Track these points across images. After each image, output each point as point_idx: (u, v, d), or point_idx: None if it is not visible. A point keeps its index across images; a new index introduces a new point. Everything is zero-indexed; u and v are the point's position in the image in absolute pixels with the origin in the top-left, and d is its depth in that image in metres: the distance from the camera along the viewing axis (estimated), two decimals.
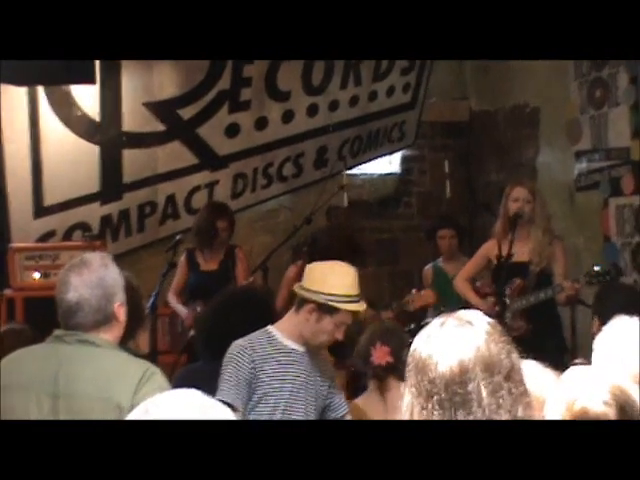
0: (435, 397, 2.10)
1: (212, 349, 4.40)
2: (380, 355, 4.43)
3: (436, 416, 2.09)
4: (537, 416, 2.21)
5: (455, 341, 2.14)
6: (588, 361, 3.17)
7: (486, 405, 2.08)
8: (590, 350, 3.30)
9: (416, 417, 2.12)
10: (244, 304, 4.54)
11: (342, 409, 4.25)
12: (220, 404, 1.68)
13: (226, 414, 1.65)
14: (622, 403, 2.33)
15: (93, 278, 3.19)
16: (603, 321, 3.45)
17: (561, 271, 5.94)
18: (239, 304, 4.55)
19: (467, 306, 6.28)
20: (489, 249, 6.17)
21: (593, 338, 3.31)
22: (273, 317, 4.35)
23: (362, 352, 4.49)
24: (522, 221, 5.95)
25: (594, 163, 7.38)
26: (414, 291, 6.53)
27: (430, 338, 2.17)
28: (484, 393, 2.09)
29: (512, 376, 2.13)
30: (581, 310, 5.88)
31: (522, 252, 5.98)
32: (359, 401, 4.57)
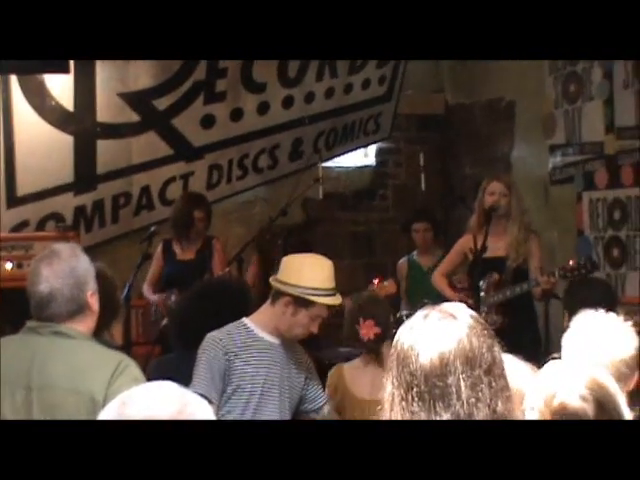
0: (415, 389, 2.11)
1: (185, 339, 4.41)
2: (368, 329, 4.47)
3: (415, 408, 2.10)
4: (517, 410, 2.21)
5: (437, 333, 2.14)
6: (560, 356, 3.20)
7: (465, 398, 2.09)
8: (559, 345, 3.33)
9: (396, 408, 2.13)
10: (218, 295, 4.54)
11: (320, 400, 4.26)
12: (196, 396, 1.68)
13: (202, 406, 1.64)
14: (599, 397, 2.34)
15: (64, 268, 3.18)
16: (573, 315, 3.48)
17: (537, 265, 5.96)
18: (213, 294, 4.56)
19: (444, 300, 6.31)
20: (465, 243, 6.19)
21: (564, 332, 3.34)
22: (248, 308, 4.35)
23: (349, 333, 4.53)
24: (497, 215, 5.98)
25: (568, 157, 7.42)
26: (376, 281, 6.48)
27: (413, 330, 2.17)
28: (463, 386, 2.10)
29: (493, 370, 2.14)
30: (555, 304, 5.90)
31: (498, 247, 6.00)
32: (347, 365, 4.61)
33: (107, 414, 1.63)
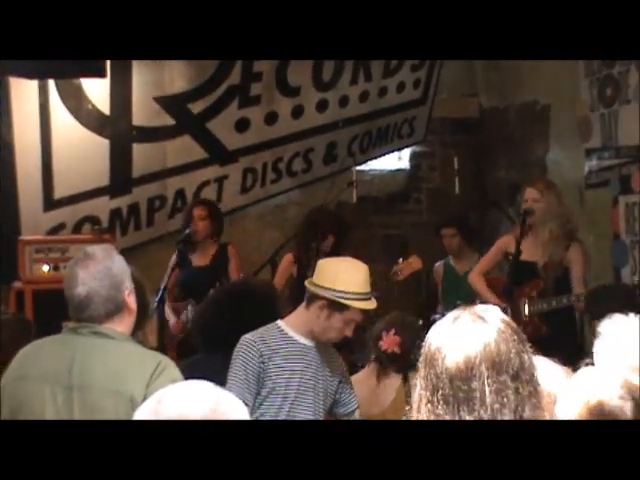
0: (440, 391, 2.11)
1: (210, 343, 4.44)
2: (390, 343, 4.48)
3: (440, 411, 2.09)
4: (546, 416, 2.20)
5: (464, 336, 2.13)
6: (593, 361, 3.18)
7: (489, 404, 2.07)
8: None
9: (423, 410, 2.12)
10: (240, 297, 4.55)
11: (352, 405, 4.26)
12: (231, 395, 1.69)
13: (236, 405, 1.66)
14: (636, 397, 2.33)
15: (100, 269, 3.21)
16: (598, 321, 3.44)
17: (579, 274, 5.91)
18: (235, 297, 4.57)
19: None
20: (506, 244, 6.16)
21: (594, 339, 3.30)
22: (275, 310, 4.36)
23: (374, 335, 4.53)
24: (532, 219, 5.94)
25: (604, 161, 7.37)
26: (400, 260, 6.44)
27: (441, 331, 2.17)
28: (488, 392, 2.08)
29: (520, 376, 2.12)
30: None
31: (534, 251, 5.97)
32: (353, 378, 4.61)
33: (143, 412, 1.65)
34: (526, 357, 2.15)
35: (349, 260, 4.31)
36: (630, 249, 7.04)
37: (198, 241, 6.85)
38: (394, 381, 4.57)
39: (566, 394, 2.40)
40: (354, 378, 4.60)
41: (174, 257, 6.95)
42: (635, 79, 6.96)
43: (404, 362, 4.54)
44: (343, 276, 4.02)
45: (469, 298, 6.33)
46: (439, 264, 7.41)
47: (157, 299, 5.99)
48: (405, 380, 4.59)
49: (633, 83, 6.98)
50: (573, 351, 5.80)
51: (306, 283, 4.15)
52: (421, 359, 2.18)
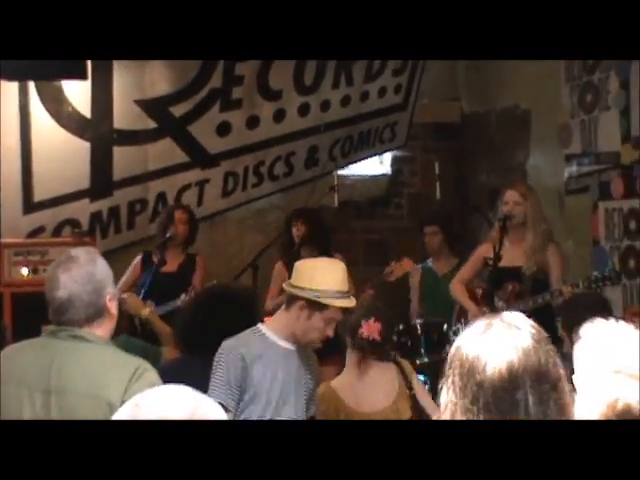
0: (481, 400, 2.06)
1: (189, 345, 4.44)
2: (371, 329, 4.48)
3: (482, 419, 2.04)
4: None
5: (504, 345, 2.09)
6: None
7: (533, 415, 2.04)
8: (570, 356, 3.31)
9: (458, 418, 2.07)
10: (221, 301, 4.55)
11: (313, 409, 4.28)
12: (209, 399, 1.69)
13: (215, 410, 1.65)
14: None
15: (82, 273, 3.19)
16: (570, 327, 3.45)
17: (558, 275, 5.93)
18: (216, 301, 4.57)
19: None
20: (483, 252, 6.17)
21: (562, 346, 3.30)
22: (253, 314, 4.37)
23: (353, 324, 4.53)
24: (513, 223, 5.95)
25: (584, 167, 7.40)
26: (393, 262, 6.55)
27: (478, 339, 2.12)
28: (531, 401, 2.05)
29: (559, 386, 2.09)
30: None
31: (515, 256, 5.98)
32: (335, 382, 4.60)
33: (120, 416, 1.65)
34: (561, 367, 2.12)
35: (326, 259, 4.33)
36: (610, 255, 7.07)
37: (175, 245, 6.83)
38: (386, 372, 4.55)
39: (586, 400, 2.38)
40: (342, 380, 4.60)
41: (138, 259, 6.92)
42: (615, 86, 7.00)
43: (383, 349, 4.58)
44: (320, 275, 4.02)
45: (448, 300, 6.36)
46: (416, 267, 7.41)
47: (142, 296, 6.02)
48: (400, 367, 4.61)
49: (613, 90, 7.02)
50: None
51: (284, 285, 4.16)
52: (452, 365, 2.13)
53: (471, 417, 2.06)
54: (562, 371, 2.12)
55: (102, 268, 3.26)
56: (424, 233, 7.35)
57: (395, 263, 6.51)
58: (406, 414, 4.51)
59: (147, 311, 5.32)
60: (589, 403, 2.36)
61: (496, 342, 2.10)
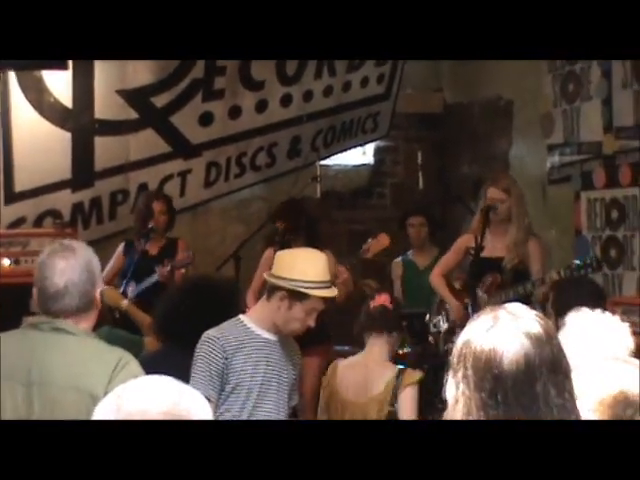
0: (500, 394, 2.05)
1: (170, 335, 4.43)
2: (381, 299, 4.54)
3: (500, 413, 2.04)
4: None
5: (519, 337, 2.08)
6: None
7: (553, 405, 2.04)
8: None
9: (477, 413, 2.06)
10: (202, 291, 4.54)
11: (295, 399, 4.29)
12: (192, 390, 1.69)
13: (197, 400, 1.65)
14: None
15: (81, 263, 3.19)
16: (560, 315, 3.47)
17: (539, 268, 5.94)
18: (197, 291, 4.56)
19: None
20: (464, 243, 6.18)
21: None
22: (236, 305, 4.36)
23: (365, 307, 4.62)
24: (496, 216, 5.97)
25: (566, 157, 7.42)
26: (370, 240, 6.56)
27: (489, 332, 2.10)
28: (550, 392, 2.05)
29: (570, 377, 2.10)
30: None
31: (497, 248, 6.00)
32: (342, 362, 4.61)
33: (103, 407, 1.64)
34: (565, 355, 2.12)
35: (307, 250, 4.34)
36: (592, 245, 7.09)
37: (155, 233, 6.83)
38: (386, 372, 4.54)
39: (586, 386, 2.39)
40: (346, 363, 4.60)
41: (121, 247, 6.92)
42: (597, 76, 7.01)
43: (394, 318, 4.59)
44: (301, 265, 4.02)
45: (429, 292, 6.37)
46: (397, 260, 7.41)
47: (119, 292, 5.99)
48: (398, 376, 4.55)
49: (595, 79, 7.04)
50: None
51: (265, 275, 4.15)
52: (463, 360, 2.10)
53: (489, 411, 2.04)
54: (569, 362, 2.12)
55: (96, 260, 3.27)
56: (408, 224, 7.34)
57: (372, 240, 6.51)
58: (376, 416, 4.46)
59: (125, 303, 5.31)
60: (585, 391, 2.37)
61: (510, 333, 2.08)
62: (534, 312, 2.16)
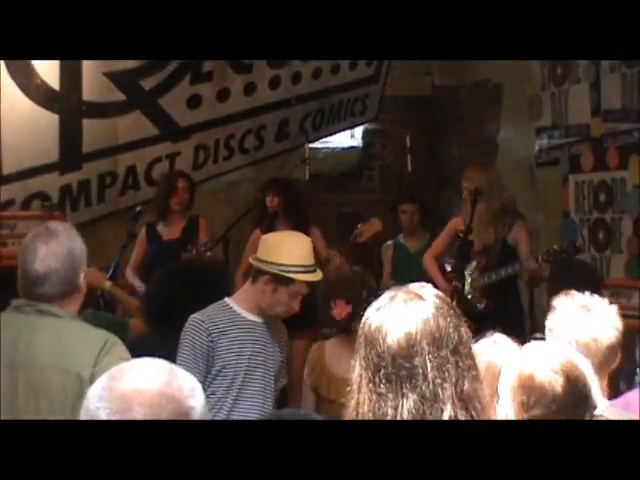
0: (382, 371, 2.10)
1: (158, 319, 4.43)
2: (339, 310, 4.47)
3: (382, 389, 2.09)
4: (485, 389, 2.22)
5: (403, 314, 2.13)
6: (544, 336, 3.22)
7: (431, 379, 2.08)
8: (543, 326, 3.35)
9: (364, 390, 2.12)
10: (190, 274, 4.54)
11: (284, 380, 4.31)
12: (184, 370, 1.70)
13: (189, 380, 1.66)
14: (569, 374, 2.37)
15: (62, 249, 3.17)
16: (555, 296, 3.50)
17: (526, 250, 5.98)
18: (185, 274, 4.56)
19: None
20: (454, 225, 6.24)
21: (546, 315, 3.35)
22: (226, 288, 4.36)
23: (323, 307, 4.52)
24: (482, 198, 6.01)
25: (554, 139, 7.43)
26: (361, 224, 6.58)
27: (379, 311, 2.16)
28: (429, 367, 2.08)
29: (459, 349, 2.12)
30: (540, 287, 5.93)
31: (484, 230, 6.04)
32: (328, 342, 4.61)
33: (96, 389, 1.65)
34: (463, 331, 2.16)
35: (291, 233, 4.34)
36: (580, 227, 7.12)
37: (176, 212, 6.86)
38: None
39: (507, 367, 2.43)
40: (332, 343, 4.58)
41: (143, 232, 6.94)
42: None
43: (361, 314, 4.57)
44: (285, 249, 4.02)
45: (420, 275, 6.39)
46: (389, 243, 7.42)
47: (109, 276, 5.97)
48: None
49: (583, 63, 7.04)
50: (518, 325, 5.91)
51: (250, 259, 4.16)
52: (360, 339, 2.17)
53: (373, 388, 2.10)
54: (465, 335, 2.16)
55: (80, 245, 3.24)
56: (400, 210, 7.34)
57: (363, 224, 6.54)
58: None
59: (109, 284, 5.30)
60: (507, 372, 2.40)
61: (396, 313, 2.14)
62: (436, 292, 2.21)
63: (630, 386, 3.44)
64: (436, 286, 2.30)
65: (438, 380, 2.08)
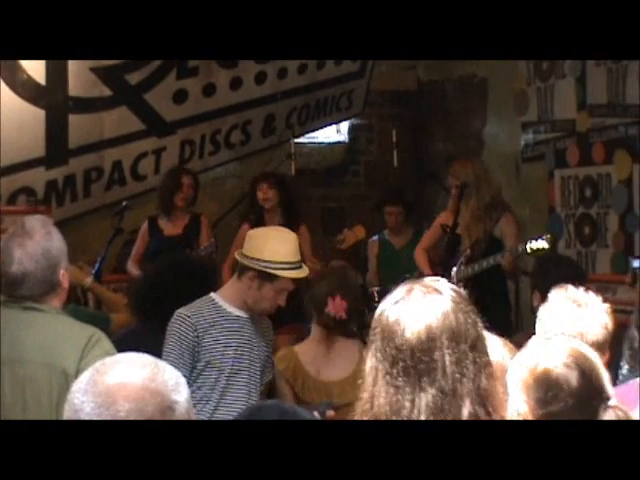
0: (400, 363, 2.09)
1: (146, 313, 4.43)
2: (337, 308, 4.46)
3: (400, 382, 2.08)
4: (499, 385, 2.22)
5: (423, 308, 2.12)
6: (531, 332, 3.24)
7: (450, 374, 2.08)
8: (531, 322, 3.36)
9: (380, 382, 2.11)
10: (179, 270, 4.54)
11: (270, 374, 4.30)
12: (168, 365, 1.71)
13: (174, 374, 1.67)
14: (582, 366, 2.37)
15: (37, 250, 3.15)
16: (543, 293, 3.52)
17: (511, 243, 6.00)
18: (174, 270, 4.56)
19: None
20: (444, 220, 6.28)
21: (532, 310, 3.37)
22: (212, 283, 4.36)
23: (318, 299, 4.49)
24: (469, 191, 6.04)
25: (540, 134, 7.46)
26: (345, 230, 6.59)
27: (398, 304, 2.15)
28: (448, 362, 2.08)
29: (477, 346, 2.13)
30: (526, 281, 5.95)
31: (474, 225, 6.07)
32: (298, 347, 4.60)
33: (81, 383, 1.65)
34: (480, 328, 2.16)
35: (277, 229, 4.33)
36: (565, 222, 7.14)
37: (179, 208, 6.88)
38: (350, 346, 4.56)
39: (515, 363, 2.43)
40: (306, 346, 4.60)
41: (145, 226, 6.94)
42: None
43: (348, 326, 4.58)
44: (271, 246, 4.02)
45: (405, 271, 6.41)
46: (374, 239, 7.43)
47: (94, 271, 5.96)
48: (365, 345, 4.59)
49: None
50: (504, 318, 5.93)
51: (236, 254, 4.16)
52: (375, 332, 2.16)
53: (390, 380, 2.10)
54: (481, 332, 2.16)
55: (57, 243, 3.22)
56: (385, 212, 7.34)
57: (347, 230, 6.55)
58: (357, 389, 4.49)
59: (89, 281, 5.30)
60: (517, 370, 2.40)
61: (415, 306, 2.13)
62: (451, 286, 2.21)
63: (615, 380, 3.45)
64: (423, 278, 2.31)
65: (457, 375, 2.08)
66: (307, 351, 4.56)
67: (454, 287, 2.22)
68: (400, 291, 2.19)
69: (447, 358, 2.09)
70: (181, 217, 6.95)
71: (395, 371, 2.10)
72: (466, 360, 2.10)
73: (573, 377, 2.34)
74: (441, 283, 2.20)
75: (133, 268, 6.87)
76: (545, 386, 2.35)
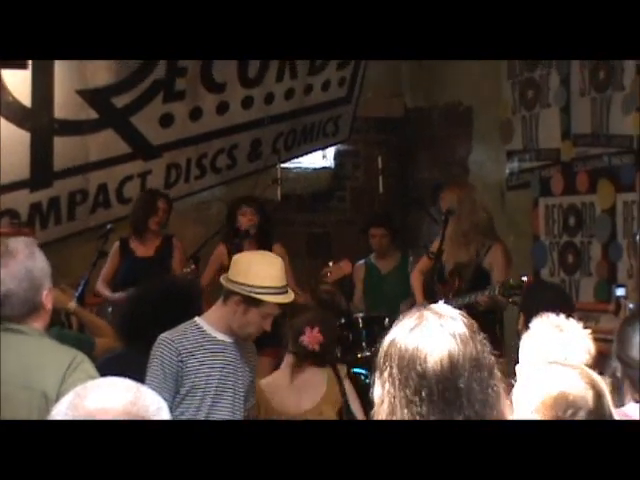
0: (424, 391, 2.08)
1: (129, 337, 4.41)
2: (312, 339, 4.47)
3: (424, 411, 2.07)
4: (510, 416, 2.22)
5: (442, 335, 2.12)
6: (515, 358, 3.24)
7: (475, 401, 2.08)
8: (516, 348, 3.37)
9: (401, 411, 2.09)
10: (163, 293, 4.53)
11: (253, 399, 4.30)
12: (149, 390, 1.70)
13: (155, 399, 1.66)
14: (596, 387, 2.38)
15: (21, 269, 3.13)
16: (528, 319, 3.53)
17: (500, 274, 5.99)
18: (158, 293, 4.54)
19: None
20: (434, 247, 6.28)
21: (519, 336, 3.38)
22: (198, 307, 4.35)
23: (296, 328, 4.51)
24: (454, 217, 6.04)
25: (525, 163, 7.49)
26: (331, 263, 6.57)
27: (413, 331, 2.14)
28: (473, 389, 2.08)
29: (494, 373, 2.14)
30: (511, 309, 5.94)
31: (455, 251, 6.07)
32: (264, 381, 4.59)
33: (62, 407, 1.64)
34: (492, 356, 2.16)
35: (262, 253, 4.32)
36: (549, 250, 7.16)
37: (151, 231, 6.89)
38: (318, 376, 4.56)
39: (524, 389, 2.42)
40: (272, 381, 4.60)
41: (116, 246, 6.91)
42: (555, 83, 7.09)
43: (320, 359, 4.58)
44: (256, 270, 4.00)
45: (390, 296, 6.42)
46: (360, 263, 7.43)
47: (78, 294, 5.93)
48: (335, 373, 4.60)
49: (554, 87, 7.11)
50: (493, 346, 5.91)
51: (221, 279, 4.15)
52: (388, 358, 2.14)
53: (413, 408, 2.08)
54: (493, 358, 2.16)
55: (40, 263, 3.20)
56: (370, 234, 7.35)
57: (333, 265, 6.52)
58: (329, 418, 4.49)
59: (73, 305, 5.28)
60: (529, 392, 2.40)
61: (434, 332, 2.12)
62: (460, 312, 2.20)
63: None
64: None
65: (482, 403, 2.08)
66: (272, 383, 4.58)
67: (461, 312, 2.21)
68: (411, 319, 2.17)
69: (474, 385, 2.09)
70: (153, 239, 6.94)
71: (418, 399, 2.09)
72: (488, 388, 2.10)
73: (589, 397, 2.35)
74: (449, 309, 2.20)
75: (103, 289, 6.85)
76: (564, 406, 2.35)
